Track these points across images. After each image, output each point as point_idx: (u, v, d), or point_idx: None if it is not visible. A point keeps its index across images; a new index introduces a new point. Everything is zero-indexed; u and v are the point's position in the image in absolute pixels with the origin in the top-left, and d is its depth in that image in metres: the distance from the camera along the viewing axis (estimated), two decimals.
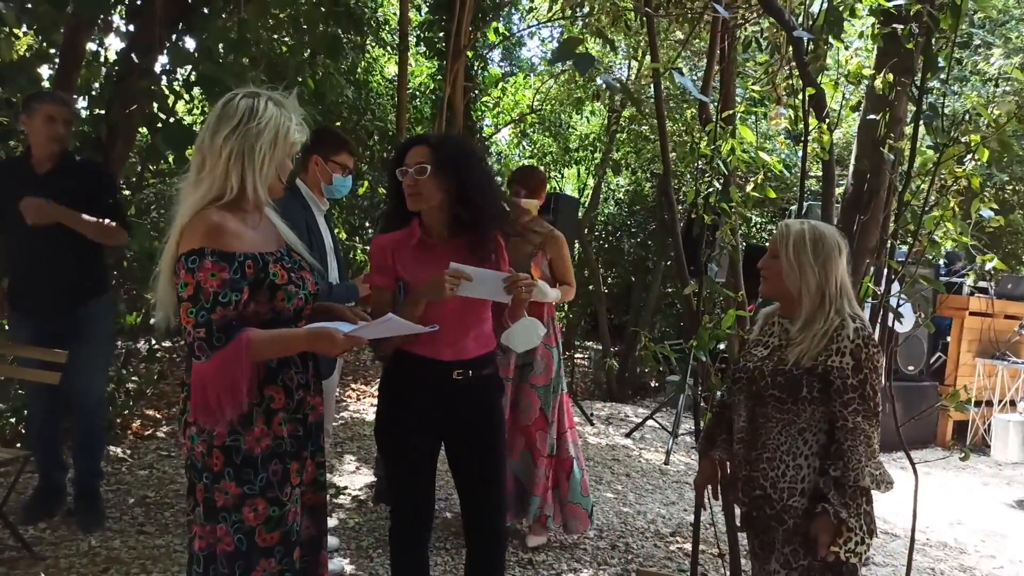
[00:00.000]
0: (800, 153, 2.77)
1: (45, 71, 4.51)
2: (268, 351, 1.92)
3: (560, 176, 11.07)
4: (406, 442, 2.38)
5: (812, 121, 2.72)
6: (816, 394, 2.06)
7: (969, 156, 2.68)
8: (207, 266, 1.83)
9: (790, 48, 3.29)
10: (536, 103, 9.67)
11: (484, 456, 2.45)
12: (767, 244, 2.25)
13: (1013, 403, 7.12)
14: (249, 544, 1.93)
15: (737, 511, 2.94)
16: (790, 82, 4.03)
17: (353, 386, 7.28)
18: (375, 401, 6.75)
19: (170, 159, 4.36)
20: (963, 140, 2.65)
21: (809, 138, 2.72)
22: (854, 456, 2.01)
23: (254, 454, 1.92)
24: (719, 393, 2.45)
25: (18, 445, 4.12)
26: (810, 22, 2.77)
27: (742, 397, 2.19)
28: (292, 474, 1.99)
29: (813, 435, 2.08)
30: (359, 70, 7.47)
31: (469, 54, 7.41)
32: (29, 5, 3.96)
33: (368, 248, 9.13)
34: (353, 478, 4.59)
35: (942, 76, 2.71)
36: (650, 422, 6.42)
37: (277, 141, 1.94)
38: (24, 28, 4.14)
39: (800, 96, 2.73)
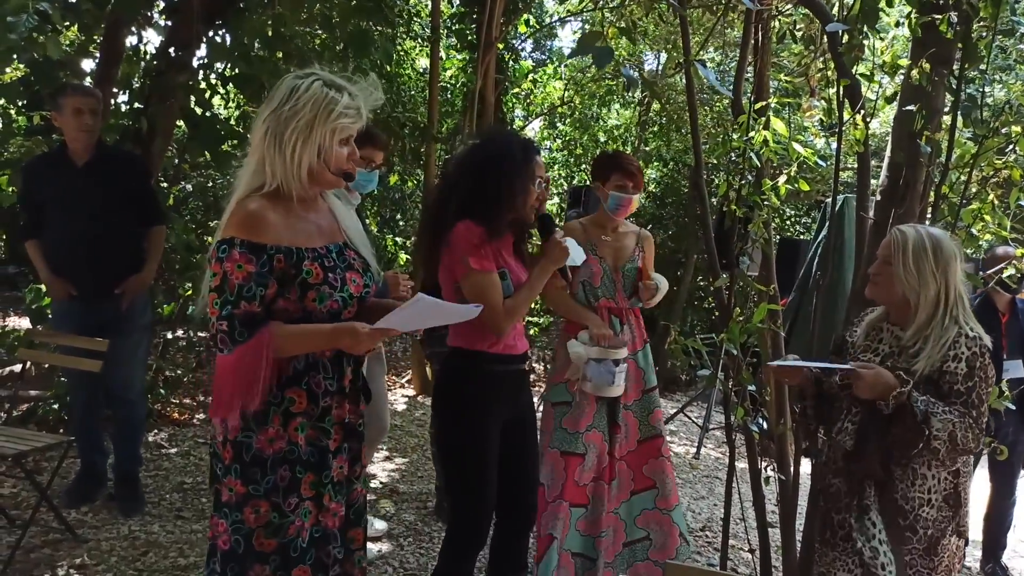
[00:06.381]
0: (834, 145, 2.73)
1: (87, 66, 4.62)
2: (291, 347, 1.79)
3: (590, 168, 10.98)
4: (490, 445, 2.35)
5: (847, 113, 2.67)
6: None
7: (1010, 147, 2.61)
8: (235, 257, 1.72)
9: (825, 39, 3.25)
10: (566, 95, 9.63)
11: (535, 442, 2.59)
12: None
13: None
14: (246, 546, 1.82)
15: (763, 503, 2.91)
16: (825, 73, 3.97)
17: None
18: (406, 392, 6.76)
19: (207, 155, 4.44)
20: (1003, 131, 2.59)
21: (844, 130, 2.68)
22: (946, 415, 1.97)
23: (264, 455, 1.81)
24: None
25: (61, 431, 4.24)
26: (845, 12, 2.72)
27: (854, 404, 2.18)
28: (304, 486, 1.85)
29: None
30: (392, 64, 7.50)
31: (500, 46, 7.40)
32: (72, 0, 4.04)
33: (398, 240, 9.17)
34: (384, 464, 4.65)
35: (982, 66, 2.64)
36: (680, 416, 6.39)
37: (313, 126, 1.75)
38: (66, 24, 4.23)
39: (835, 87, 2.69)
